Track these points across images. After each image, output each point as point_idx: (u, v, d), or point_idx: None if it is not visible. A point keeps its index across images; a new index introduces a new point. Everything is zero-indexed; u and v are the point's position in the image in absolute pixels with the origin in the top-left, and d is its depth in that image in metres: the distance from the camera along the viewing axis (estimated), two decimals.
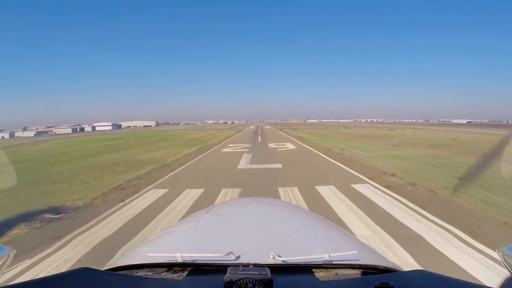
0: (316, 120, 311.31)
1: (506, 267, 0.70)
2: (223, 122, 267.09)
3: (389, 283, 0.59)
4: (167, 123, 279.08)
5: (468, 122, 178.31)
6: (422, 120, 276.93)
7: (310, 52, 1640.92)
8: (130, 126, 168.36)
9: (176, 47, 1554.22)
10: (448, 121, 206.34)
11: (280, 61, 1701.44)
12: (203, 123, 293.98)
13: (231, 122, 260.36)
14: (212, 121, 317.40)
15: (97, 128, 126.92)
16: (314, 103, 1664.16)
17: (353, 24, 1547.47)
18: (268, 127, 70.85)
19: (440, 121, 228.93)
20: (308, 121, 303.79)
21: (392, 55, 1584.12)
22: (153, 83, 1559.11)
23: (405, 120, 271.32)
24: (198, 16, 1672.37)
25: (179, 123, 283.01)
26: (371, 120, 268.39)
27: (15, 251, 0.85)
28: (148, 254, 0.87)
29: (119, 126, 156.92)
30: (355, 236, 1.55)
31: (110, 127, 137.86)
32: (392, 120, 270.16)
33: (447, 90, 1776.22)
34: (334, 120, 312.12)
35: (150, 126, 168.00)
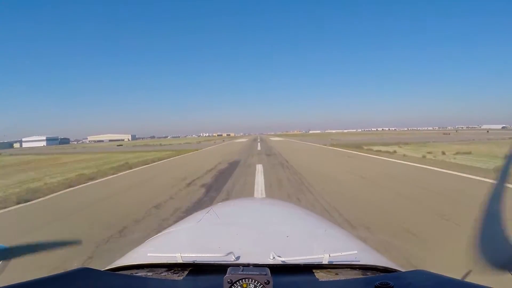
0: (318, 131, 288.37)
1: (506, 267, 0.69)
2: (218, 135, 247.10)
3: (389, 283, 0.58)
4: (153, 137, 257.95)
5: (503, 127, 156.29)
6: (437, 128, 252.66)
7: (311, 61, 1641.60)
8: (92, 141, 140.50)
9: (167, 51, 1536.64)
10: (475, 128, 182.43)
11: (282, 72, 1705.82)
12: (198, 136, 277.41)
13: (227, 135, 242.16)
14: (207, 134, 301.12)
15: (25, 145, 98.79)
16: (315, 113, 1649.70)
17: (354, 31, 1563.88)
18: (278, 139, 43.08)
19: (468, 127, 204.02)
20: (310, 131, 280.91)
21: (399, 56, 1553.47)
22: (140, 94, 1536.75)
23: (420, 128, 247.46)
24: (194, 18, 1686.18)
25: (166, 136, 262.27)
26: (383, 129, 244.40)
27: (15, 251, 0.81)
28: (148, 254, 0.86)
29: (64, 141, 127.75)
30: (355, 236, 1.33)
31: (44, 143, 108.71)
32: (406, 128, 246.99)
33: (460, 96, 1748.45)
34: (339, 130, 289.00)
35: (123, 140, 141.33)
